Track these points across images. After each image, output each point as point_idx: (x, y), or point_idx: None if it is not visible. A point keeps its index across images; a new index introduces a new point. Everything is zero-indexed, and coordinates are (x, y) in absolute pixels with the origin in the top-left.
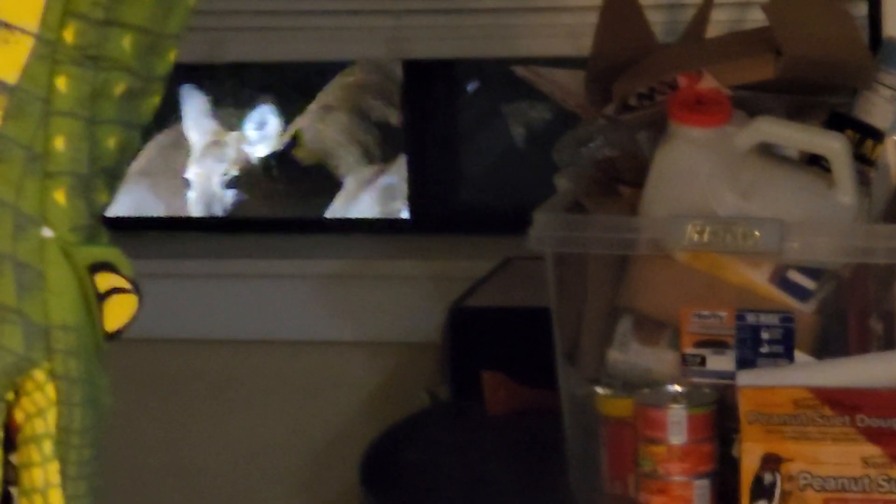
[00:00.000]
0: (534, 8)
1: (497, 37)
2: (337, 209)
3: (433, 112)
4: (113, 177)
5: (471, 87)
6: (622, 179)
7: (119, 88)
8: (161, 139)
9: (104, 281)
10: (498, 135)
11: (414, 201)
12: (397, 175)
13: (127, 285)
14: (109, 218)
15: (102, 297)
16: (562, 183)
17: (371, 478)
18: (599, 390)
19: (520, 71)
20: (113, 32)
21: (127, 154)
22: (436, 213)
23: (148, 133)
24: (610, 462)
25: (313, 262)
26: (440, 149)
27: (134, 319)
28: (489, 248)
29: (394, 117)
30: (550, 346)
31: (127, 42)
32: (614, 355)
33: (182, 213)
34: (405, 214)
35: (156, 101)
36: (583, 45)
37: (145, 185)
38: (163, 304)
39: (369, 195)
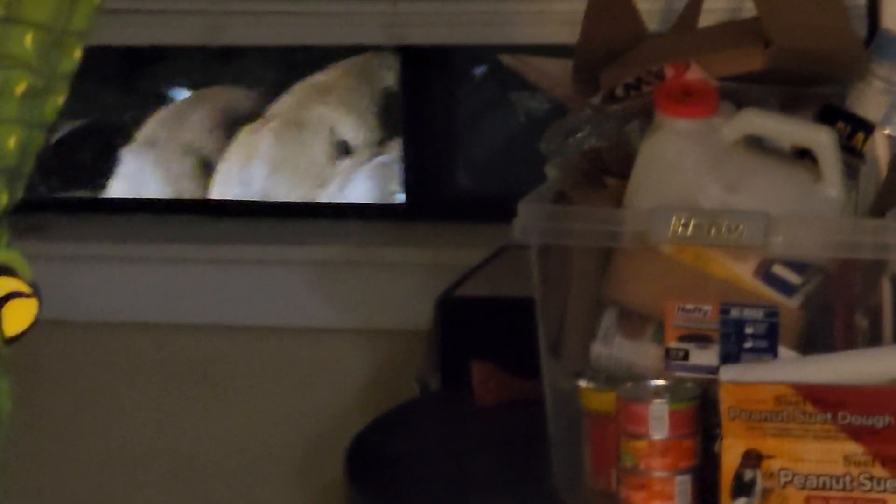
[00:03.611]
0: None
1: (492, 24)
2: (332, 192)
3: (431, 98)
4: (14, 177)
5: (471, 72)
6: (608, 170)
7: (20, 87)
8: (163, 113)
9: (3, 285)
10: (503, 122)
11: (410, 188)
12: (394, 155)
13: (27, 289)
14: (100, 199)
15: (1, 301)
16: (553, 172)
17: (356, 469)
18: (582, 384)
19: (506, 59)
20: (14, 30)
21: (29, 154)
22: (432, 199)
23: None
24: (593, 456)
25: (306, 248)
26: (438, 135)
27: (34, 324)
28: (485, 237)
29: None
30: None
31: (28, 40)
32: (598, 348)
33: (184, 189)
34: (400, 197)
35: (60, 100)
36: (577, 33)
37: (149, 158)
38: (152, 288)
39: (364, 177)
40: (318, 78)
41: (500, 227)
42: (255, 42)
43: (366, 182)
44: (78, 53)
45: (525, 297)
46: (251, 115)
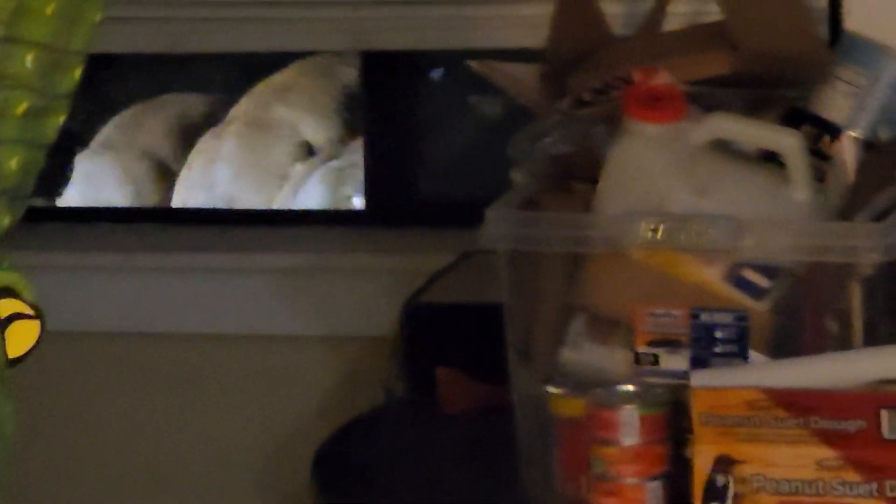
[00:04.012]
0: None
1: (457, 28)
2: (285, 198)
3: (393, 103)
4: (15, 198)
5: (435, 75)
6: (577, 176)
7: (21, 107)
8: (120, 118)
9: (6, 307)
10: (462, 126)
11: (371, 193)
12: (347, 160)
13: (29, 311)
14: (63, 208)
15: (4, 323)
16: (518, 178)
17: (323, 475)
18: (552, 390)
19: (474, 65)
20: (14, 49)
21: (30, 175)
22: (394, 205)
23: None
24: (563, 463)
25: (270, 256)
26: (399, 140)
27: (37, 345)
28: (447, 242)
29: None
30: (506, 343)
31: (29, 59)
32: (567, 354)
33: (142, 192)
34: (356, 202)
35: (60, 119)
36: (543, 37)
37: (105, 162)
38: (116, 298)
39: (317, 182)
40: (277, 78)
41: (462, 233)
42: (219, 49)
43: (319, 187)
44: (78, 72)
45: (490, 302)
46: (209, 120)
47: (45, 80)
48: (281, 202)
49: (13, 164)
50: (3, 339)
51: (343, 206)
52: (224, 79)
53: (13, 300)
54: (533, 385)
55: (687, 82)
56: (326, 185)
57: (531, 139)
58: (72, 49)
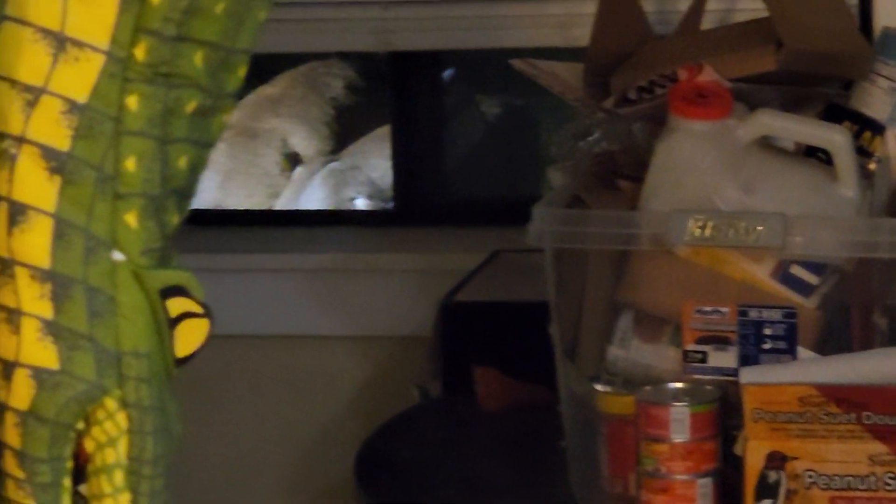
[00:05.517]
0: None
1: (484, 28)
2: (287, 199)
3: (418, 103)
4: (183, 197)
5: (446, 75)
6: (621, 173)
7: (190, 106)
8: None
9: (176, 306)
10: (475, 125)
11: (399, 193)
12: (348, 162)
13: (198, 309)
14: None
15: (174, 322)
16: (556, 176)
17: (366, 475)
18: (599, 388)
19: (518, 64)
20: (184, 48)
21: (197, 174)
22: (422, 204)
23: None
24: (611, 460)
25: (300, 256)
26: (427, 140)
27: (205, 344)
28: (476, 241)
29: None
30: (542, 341)
31: (198, 58)
32: (615, 352)
33: None
34: (359, 204)
35: (225, 118)
36: (570, 36)
37: None
38: None
39: (318, 184)
40: (267, 90)
41: (490, 232)
42: None
43: (320, 189)
44: (242, 71)
45: (526, 301)
46: None
47: (213, 78)
48: (282, 205)
49: (182, 162)
50: (173, 338)
51: (345, 208)
52: None
53: (184, 299)
54: (580, 383)
55: (730, 80)
56: (328, 187)
57: (575, 137)
58: (238, 48)
